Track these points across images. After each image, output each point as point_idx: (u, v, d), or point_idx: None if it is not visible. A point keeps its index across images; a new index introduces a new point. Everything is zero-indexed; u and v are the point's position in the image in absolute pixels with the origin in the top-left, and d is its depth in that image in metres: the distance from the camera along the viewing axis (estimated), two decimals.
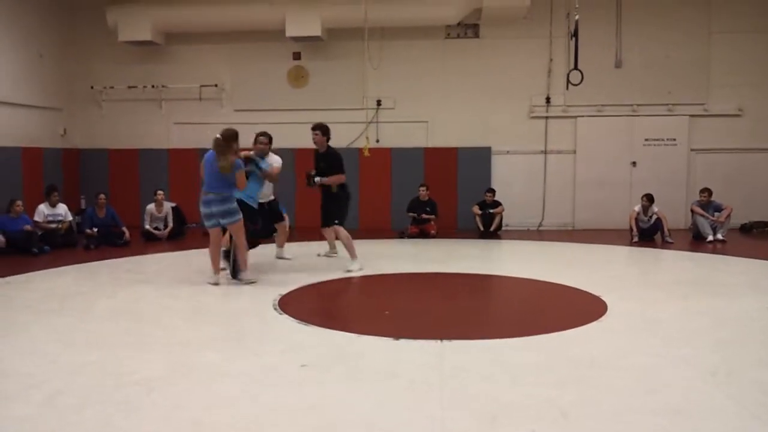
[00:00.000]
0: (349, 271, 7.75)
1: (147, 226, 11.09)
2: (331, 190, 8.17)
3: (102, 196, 10.67)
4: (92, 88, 13.47)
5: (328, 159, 8.27)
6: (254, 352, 4.51)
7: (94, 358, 4.41)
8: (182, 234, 11.57)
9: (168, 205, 11.42)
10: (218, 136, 7.16)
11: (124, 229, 10.51)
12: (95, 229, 10.22)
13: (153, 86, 13.38)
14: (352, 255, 7.96)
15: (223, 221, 7.00)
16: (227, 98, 13.43)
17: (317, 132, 8.40)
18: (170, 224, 11.29)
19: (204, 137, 13.28)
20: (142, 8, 12.51)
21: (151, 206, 11.21)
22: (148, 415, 3.42)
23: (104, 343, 4.81)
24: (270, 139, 8.51)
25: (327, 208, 8.28)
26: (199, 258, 9.25)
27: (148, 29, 12.49)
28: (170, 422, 3.33)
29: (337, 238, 8.34)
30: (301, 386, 3.84)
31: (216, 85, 13.31)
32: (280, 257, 8.93)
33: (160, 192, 11.33)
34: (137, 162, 13.46)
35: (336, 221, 8.06)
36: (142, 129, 13.52)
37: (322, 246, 9.46)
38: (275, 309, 5.82)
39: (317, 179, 8.16)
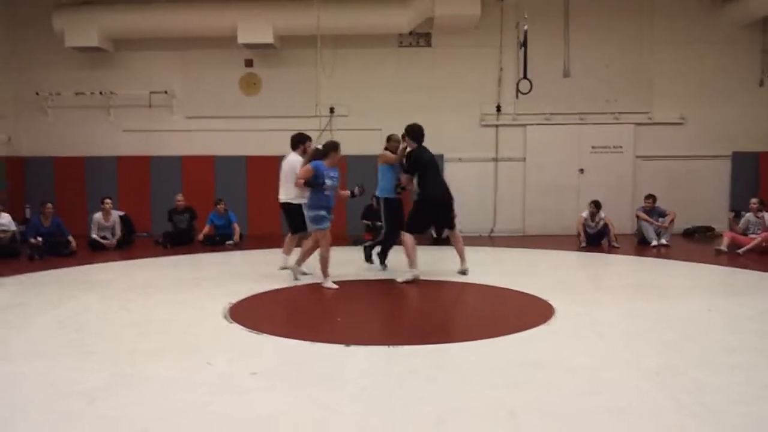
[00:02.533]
0: (403, 280, 7.58)
1: (94, 236, 10.84)
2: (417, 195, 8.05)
3: (49, 205, 10.40)
4: (38, 94, 13.16)
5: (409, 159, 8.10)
6: (204, 362, 4.45)
7: (34, 369, 4.29)
8: (130, 243, 11.35)
9: (116, 214, 11.20)
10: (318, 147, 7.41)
11: (70, 238, 10.26)
12: (40, 239, 9.95)
13: (101, 93, 13.13)
14: (412, 264, 7.69)
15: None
16: (178, 105, 13.27)
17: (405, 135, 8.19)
18: (118, 233, 11.07)
19: (154, 144, 13.17)
20: (89, 14, 12.28)
21: (98, 215, 10.97)
22: (90, 426, 3.34)
23: (45, 354, 4.68)
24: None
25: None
26: (147, 267, 9.11)
27: (95, 35, 12.26)
28: None
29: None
30: (252, 394, 3.81)
31: (166, 92, 13.14)
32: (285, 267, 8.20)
33: (107, 200, 11.09)
34: (84, 170, 13.16)
35: (408, 228, 7.92)
36: (90, 136, 13.25)
37: (266, 254, 9.39)
38: (225, 318, 5.76)
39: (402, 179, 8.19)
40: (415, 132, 8.06)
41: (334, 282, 7.28)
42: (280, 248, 8.92)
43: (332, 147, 7.32)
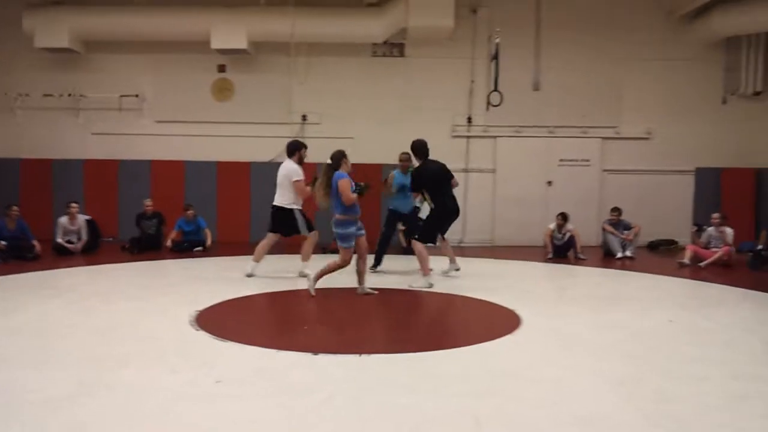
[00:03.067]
0: (423, 286, 7.81)
1: (59, 240, 10.67)
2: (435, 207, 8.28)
3: (15, 207, 10.23)
4: (6, 94, 12.93)
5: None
6: (169, 369, 4.42)
7: None
8: (96, 248, 11.19)
9: (82, 218, 11.03)
10: (328, 161, 7.16)
11: (35, 242, 10.08)
12: (3, 243, 9.75)
13: (70, 95, 12.96)
14: (425, 272, 7.97)
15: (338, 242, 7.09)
16: (148, 109, 13.15)
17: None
18: (84, 238, 10.90)
19: (124, 148, 13.02)
20: (60, 14, 12.14)
21: (63, 219, 10.80)
22: None
23: (7, 360, 4.61)
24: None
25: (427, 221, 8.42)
26: (113, 273, 8.99)
27: (66, 36, 12.11)
28: None
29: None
30: (217, 402, 3.79)
31: (137, 96, 13.01)
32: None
33: (73, 204, 10.93)
34: (51, 173, 12.95)
35: (422, 237, 8.20)
36: (58, 139, 13.06)
37: (235, 261, 9.36)
38: (192, 325, 5.72)
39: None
40: (415, 148, 8.45)
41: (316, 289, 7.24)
42: (249, 255, 8.89)
43: (342, 156, 7.19)
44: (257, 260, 8.45)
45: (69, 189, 12.45)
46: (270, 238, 8.59)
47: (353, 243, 7.04)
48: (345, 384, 4.17)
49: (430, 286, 7.81)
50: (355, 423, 3.49)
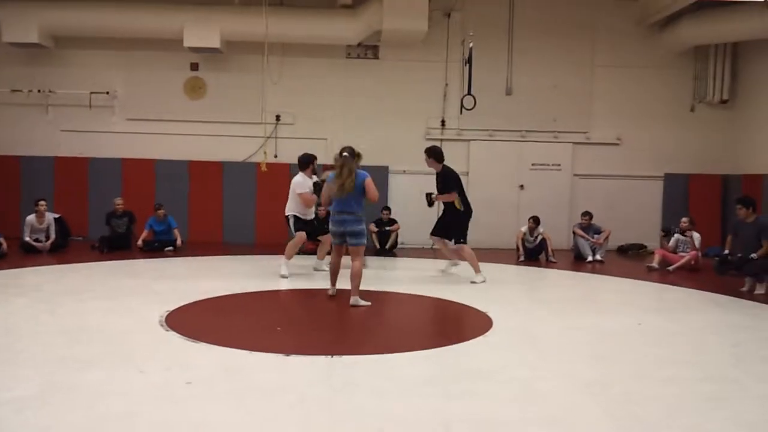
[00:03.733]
0: (473, 282, 8.51)
1: (27, 238, 10.48)
2: (456, 207, 8.65)
3: None
4: None
5: (442, 178, 8.82)
6: (138, 370, 4.36)
7: None
8: (65, 247, 11.01)
9: (50, 216, 10.84)
10: (345, 153, 6.91)
11: (1, 240, 9.89)
12: None
13: (39, 91, 12.73)
14: (477, 269, 8.68)
15: (350, 241, 6.90)
16: (119, 106, 12.97)
17: (427, 156, 8.87)
18: (52, 236, 10.72)
19: (94, 146, 12.83)
20: (29, 8, 11.89)
21: (31, 217, 10.60)
22: None
23: None
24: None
25: (449, 224, 8.79)
26: (82, 272, 8.86)
27: (35, 31, 11.89)
28: None
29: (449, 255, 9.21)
30: (186, 404, 3.76)
31: (108, 93, 12.83)
32: (318, 269, 9.13)
33: (41, 202, 10.74)
34: (19, 169, 12.70)
35: (461, 239, 8.69)
36: (26, 135, 12.81)
37: (207, 261, 9.26)
38: (162, 326, 5.66)
39: (433, 196, 8.77)
40: (437, 153, 8.88)
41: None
42: (221, 255, 8.83)
43: (353, 152, 7.05)
44: (321, 257, 9.12)
45: (38, 186, 12.23)
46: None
47: None
48: (316, 385, 4.16)
49: (484, 280, 8.56)
50: (324, 424, 3.49)
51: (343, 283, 7.04)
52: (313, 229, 8.92)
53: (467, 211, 8.78)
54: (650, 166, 13.26)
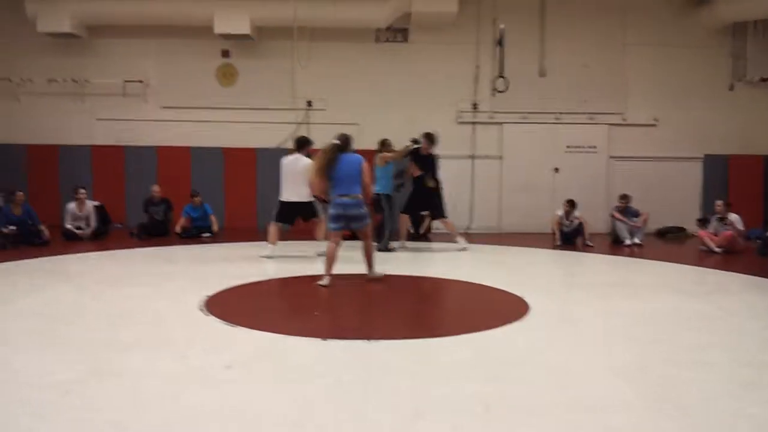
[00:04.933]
0: (464, 248, 9.92)
1: (68, 225, 10.71)
2: (428, 185, 9.95)
3: (20, 193, 10.24)
4: (10, 81, 12.92)
5: (425, 161, 10.02)
6: (179, 354, 4.43)
7: (5, 360, 4.23)
8: (105, 234, 11.22)
9: (90, 204, 11.06)
10: (336, 141, 7.00)
11: (43, 227, 10.11)
12: (12, 228, 9.79)
13: (75, 80, 12.95)
14: (458, 236, 10.24)
15: (354, 225, 7.00)
16: (153, 95, 13.15)
17: (424, 137, 9.96)
18: (93, 223, 10.93)
19: (129, 134, 13.02)
20: None
21: (71, 205, 10.83)
22: (62, 417, 3.31)
23: (16, 344, 4.63)
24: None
25: (435, 202, 10.08)
26: (122, 259, 9.02)
27: (68, 21, 12.10)
28: (87, 424, 3.23)
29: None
30: (226, 387, 3.80)
31: (141, 81, 12.99)
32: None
33: (81, 190, 10.96)
34: (57, 158, 12.97)
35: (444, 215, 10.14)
36: (63, 124, 13.07)
37: (243, 247, 9.34)
38: (201, 310, 5.73)
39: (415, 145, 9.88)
40: (435, 139, 10.03)
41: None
42: (258, 241, 8.90)
43: (347, 141, 7.12)
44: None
45: (76, 175, 12.48)
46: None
47: None
48: (353, 369, 4.17)
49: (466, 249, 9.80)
50: (361, 408, 3.50)
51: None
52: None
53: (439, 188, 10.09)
54: (689, 147, 13.00)
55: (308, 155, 8.78)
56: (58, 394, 3.62)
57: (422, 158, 9.96)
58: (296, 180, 8.67)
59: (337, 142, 6.98)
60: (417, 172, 10.00)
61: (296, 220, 9.08)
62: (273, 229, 9.01)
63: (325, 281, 6.91)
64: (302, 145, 9.01)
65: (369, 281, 7.25)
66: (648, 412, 3.51)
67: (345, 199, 6.89)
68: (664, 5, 12.85)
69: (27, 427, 3.19)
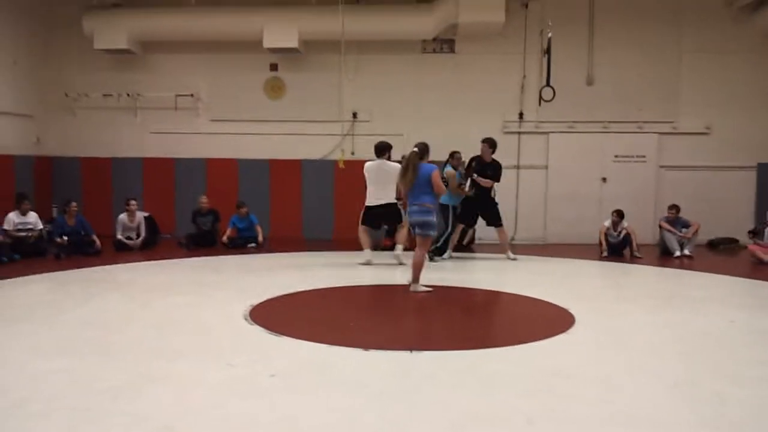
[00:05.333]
0: (514, 258, 10.06)
1: (119, 236, 11.00)
2: (491, 195, 10.23)
3: (73, 204, 10.57)
4: (67, 95, 13.37)
5: (493, 167, 10.17)
6: (224, 362, 4.51)
7: (62, 365, 4.38)
8: (155, 244, 11.49)
9: (140, 215, 11.34)
10: (415, 149, 7.30)
11: (95, 237, 10.42)
12: (65, 238, 10.12)
13: (128, 95, 13.32)
14: (509, 246, 10.39)
15: (418, 231, 7.27)
16: (203, 108, 13.42)
17: (485, 143, 10.17)
18: (143, 234, 11.21)
19: (180, 147, 13.33)
20: (118, 16, 12.49)
21: (123, 216, 11.12)
22: (114, 422, 3.41)
23: (72, 351, 4.78)
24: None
25: (493, 210, 10.29)
26: (170, 268, 9.22)
27: (124, 37, 12.45)
28: (137, 430, 3.33)
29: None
30: (271, 396, 3.86)
31: (192, 95, 13.29)
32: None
33: (132, 201, 11.24)
34: (110, 170, 13.36)
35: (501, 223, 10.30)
36: (117, 137, 13.43)
37: (288, 257, 9.44)
38: (246, 320, 5.83)
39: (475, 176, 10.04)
40: (495, 144, 10.23)
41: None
42: (301, 251, 8.99)
43: (427, 147, 7.48)
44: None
45: (128, 186, 12.82)
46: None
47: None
48: (395, 380, 4.18)
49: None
50: (403, 419, 3.50)
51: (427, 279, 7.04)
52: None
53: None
54: (742, 156, 12.62)
55: (389, 158, 9.25)
56: (108, 399, 3.73)
57: (486, 165, 10.14)
58: (380, 184, 9.12)
59: (416, 150, 7.25)
60: (489, 183, 10.14)
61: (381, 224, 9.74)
62: (363, 234, 9.43)
63: (414, 287, 7.20)
64: (383, 150, 9.29)
65: (411, 293, 7.25)
66: (698, 428, 3.42)
67: (414, 207, 7.21)
68: (719, 12, 12.52)
69: (83, 430, 3.30)
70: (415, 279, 7.24)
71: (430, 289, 7.26)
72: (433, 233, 7.30)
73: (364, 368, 4.45)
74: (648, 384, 4.15)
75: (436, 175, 7.19)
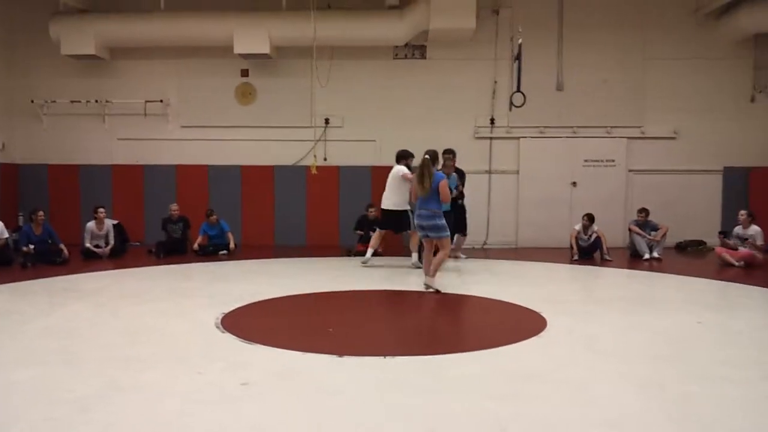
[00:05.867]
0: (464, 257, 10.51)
1: (87, 244, 10.82)
2: (459, 203, 10.33)
3: (40, 212, 10.36)
4: (33, 101, 13.15)
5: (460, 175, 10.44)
6: (195, 371, 4.45)
7: (26, 376, 4.28)
8: (124, 252, 11.32)
9: (109, 223, 11.17)
10: (427, 156, 7.69)
11: (62, 246, 10.23)
12: (32, 247, 9.92)
13: (96, 101, 13.14)
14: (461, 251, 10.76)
15: (432, 235, 7.68)
16: (173, 114, 13.28)
17: (453, 156, 10.25)
18: (111, 242, 11.04)
19: (149, 153, 13.17)
20: (86, 22, 12.31)
21: (91, 224, 10.94)
22: None
23: (38, 361, 4.68)
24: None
25: (462, 218, 10.52)
26: (140, 276, 9.09)
27: (92, 43, 12.27)
28: None
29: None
30: (241, 405, 3.81)
31: (162, 101, 13.16)
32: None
33: (101, 209, 11.07)
34: (78, 178, 13.14)
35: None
36: (85, 144, 13.24)
37: (260, 264, 9.37)
38: (217, 327, 5.76)
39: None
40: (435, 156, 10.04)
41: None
42: (273, 258, 8.93)
43: (437, 155, 7.99)
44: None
45: (96, 194, 12.62)
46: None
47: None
48: (369, 386, 4.16)
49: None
50: (378, 425, 3.49)
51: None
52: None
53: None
54: (709, 159, 12.86)
55: (408, 166, 9.54)
56: (75, 410, 3.65)
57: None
58: (390, 189, 9.65)
59: (428, 156, 7.64)
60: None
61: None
62: (376, 235, 10.10)
63: (427, 280, 7.65)
64: (401, 157, 9.72)
65: (427, 294, 7.56)
66: (668, 429, 3.46)
67: (422, 211, 7.67)
68: (685, 19, 12.75)
69: None
70: (433, 273, 7.66)
71: (437, 291, 7.55)
72: (447, 233, 7.68)
73: (337, 375, 4.42)
74: (619, 386, 4.19)
75: (444, 184, 7.62)
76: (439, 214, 7.62)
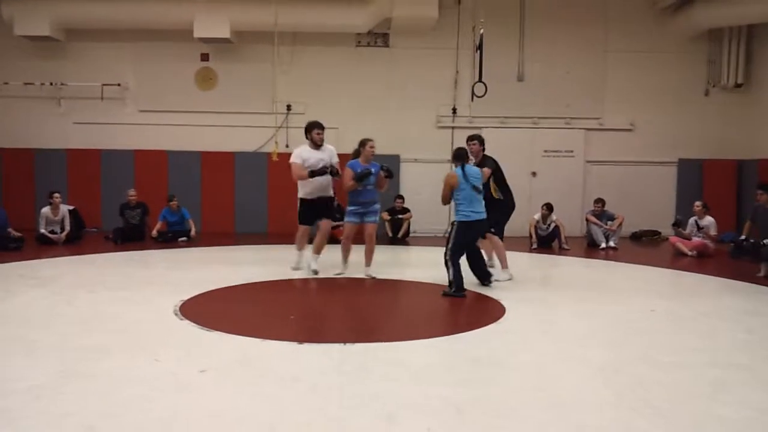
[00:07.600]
0: (496, 280, 7.58)
1: (42, 230, 10.58)
2: (494, 196, 8.07)
3: None
4: None
5: (484, 166, 8.13)
6: (153, 358, 4.41)
7: None
8: (80, 238, 11.10)
9: (65, 208, 10.94)
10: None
11: (10, 230, 9.97)
12: None
13: (51, 84, 12.82)
14: (504, 264, 7.97)
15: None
16: (131, 98, 13.04)
17: (474, 142, 8.32)
18: (67, 228, 10.81)
19: (106, 138, 12.91)
20: (41, 1, 11.97)
21: (46, 209, 10.70)
22: (34, 423, 3.28)
23: None
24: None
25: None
26: (97, 263, 8.94)
27: (46, 24, 11.96)
28: (59, 429, 3.21)
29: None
30: (200, 392, 3.79)
31: (119, 85, 12.90)
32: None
33: (56, 194, 10.83)
34: (33, 162, 12.82)
35: (492, 229, 7.97)
36: (39, 128, 12.91)
37: (220, 251, 9.30)
38: (176, 315, 5.71)
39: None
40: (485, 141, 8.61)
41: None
42: (234, 245, 8.86)
43: (361, 144, 8.11)
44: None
45: (51, 179, 12.35)
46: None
47: (353, 219, 7.87)
48: (328, 373, 4.18)
49: (511, 278, 7.79)
50: (337, 411, 3.51)
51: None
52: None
53: (510, 204, 8.53)
54: (664, 151, 13.15)
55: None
56: (30, 399, 3.58)
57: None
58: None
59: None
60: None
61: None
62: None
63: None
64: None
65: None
66: (621, 412, 3.56)
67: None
68: (642, 13, 12.98)
69: None
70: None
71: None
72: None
73: (297, 362, 4.42)
74: (574, 370, 4.29)
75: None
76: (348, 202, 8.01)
